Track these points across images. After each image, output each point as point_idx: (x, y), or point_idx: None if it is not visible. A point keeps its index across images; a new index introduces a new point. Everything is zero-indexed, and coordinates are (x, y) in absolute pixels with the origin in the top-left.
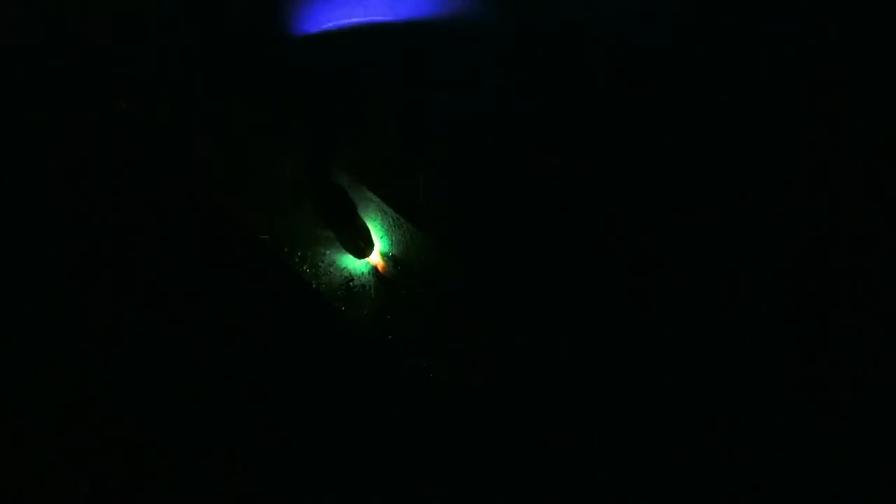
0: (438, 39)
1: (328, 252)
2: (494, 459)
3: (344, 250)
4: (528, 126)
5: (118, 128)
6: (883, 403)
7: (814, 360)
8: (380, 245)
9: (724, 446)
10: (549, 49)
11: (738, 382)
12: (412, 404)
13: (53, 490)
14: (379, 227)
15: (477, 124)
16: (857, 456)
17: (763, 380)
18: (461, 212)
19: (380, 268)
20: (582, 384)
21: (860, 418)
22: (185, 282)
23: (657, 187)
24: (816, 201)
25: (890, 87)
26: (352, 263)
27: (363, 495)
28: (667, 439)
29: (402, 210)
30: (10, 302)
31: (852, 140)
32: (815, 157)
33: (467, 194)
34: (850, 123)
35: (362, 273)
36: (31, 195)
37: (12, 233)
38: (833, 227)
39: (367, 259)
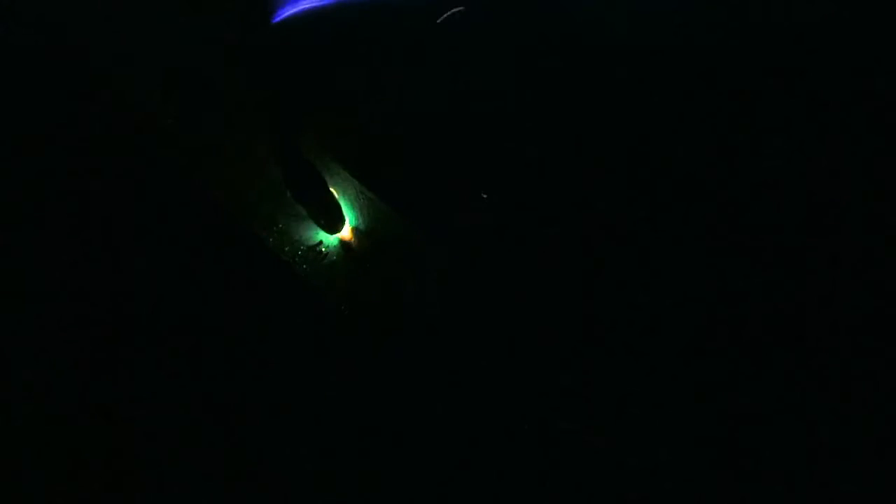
0: (409, 20)
1: (300, 227)
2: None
3: (315, 225)
4: (497, 107)
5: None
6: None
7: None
8: (349, 220)
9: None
10: (519, 28)
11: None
12: (387, 380)
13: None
14: (348, 202)
15: (446, 104)
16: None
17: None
18: (432, 189)
19: (350, 242)
20: (551, 356)
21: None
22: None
23: (638, 178)
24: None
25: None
26: (323, 237)
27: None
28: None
29: (372, 185)
30: (12, 304)
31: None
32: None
33: (438, 172)
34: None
35: (333, 247)
36: (29, 197)
37: (13, 234)
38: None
39: (337, 234)
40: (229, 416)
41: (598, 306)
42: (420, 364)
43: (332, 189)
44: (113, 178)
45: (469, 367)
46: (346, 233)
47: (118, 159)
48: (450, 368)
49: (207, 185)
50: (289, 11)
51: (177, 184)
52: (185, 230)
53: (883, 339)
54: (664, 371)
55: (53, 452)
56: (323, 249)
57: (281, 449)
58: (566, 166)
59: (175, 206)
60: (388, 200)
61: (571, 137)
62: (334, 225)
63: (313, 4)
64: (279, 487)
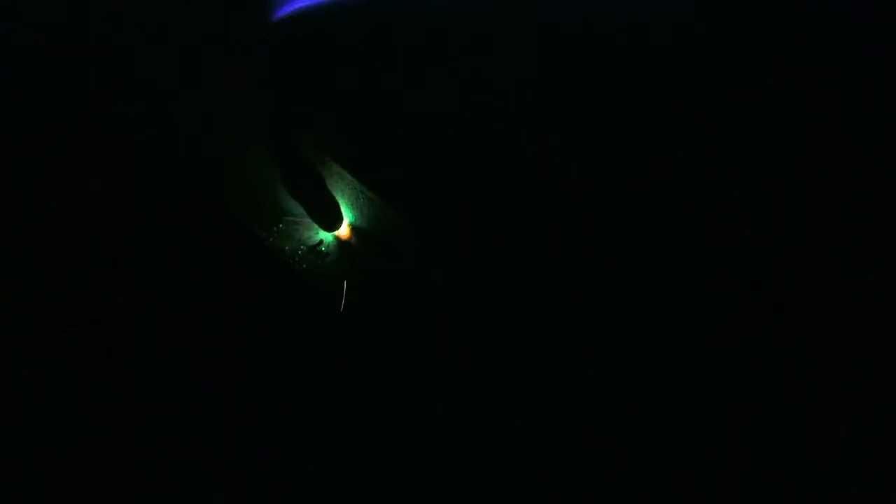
0: (409, 20)
1: (300, 227)
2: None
3: (315, 225)
4: (497, 107)
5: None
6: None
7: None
8: (349, 219)
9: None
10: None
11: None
12: (379, 374)
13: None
14: (348, 202)
15: (446, 104)
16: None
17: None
18: (432, 189)
19: (350, 241)
20: (551, 356)
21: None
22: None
23: (628, 173)
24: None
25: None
26: (323, 237)
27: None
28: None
29: (372, 185)
30: (12, 304)
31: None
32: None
33: (438, 172)
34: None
35: (331, 244)
36: (29, 197)
37: (11, 235)
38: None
39: (335, 232)
40: (229, 416)
41: (597, 306)
42: (420, 364)
43: (330, 188)
44: (113, 179)
45: (469, 367)
46: (345, 232)
47: (119, 159)
48: (450, 368)
49: (207, 184)
50: (288, 10)
51: (177, 184)
52: (185, 230)
53: (883, 338)
54: (664, 371)
55: (53, 452)
56: (323, 249)
57: (281, 449)
58: (566, 166)
59: (175, 206)
60: (388, 200)
61: (572, 137)
62: (332, 223)
63: (312, 3)
64: (279, 487)
